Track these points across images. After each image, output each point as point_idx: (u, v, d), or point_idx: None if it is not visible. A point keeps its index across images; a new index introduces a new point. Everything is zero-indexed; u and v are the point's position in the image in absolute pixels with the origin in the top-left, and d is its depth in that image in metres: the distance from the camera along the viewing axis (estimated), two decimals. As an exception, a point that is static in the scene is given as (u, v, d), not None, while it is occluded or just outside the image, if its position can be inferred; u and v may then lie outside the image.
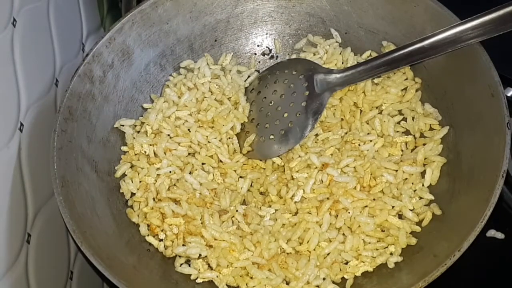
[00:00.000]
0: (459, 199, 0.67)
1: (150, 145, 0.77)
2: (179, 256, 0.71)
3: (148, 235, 0.72)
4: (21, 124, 0.68)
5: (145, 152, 0.77)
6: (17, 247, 0.65)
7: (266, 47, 0.88)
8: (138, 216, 0.73)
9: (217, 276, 0.69)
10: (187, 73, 0.84)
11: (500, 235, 0.76)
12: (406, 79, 0.78)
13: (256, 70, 0.86)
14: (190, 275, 0.69)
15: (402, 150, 0.75)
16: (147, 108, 0.81)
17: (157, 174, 0.75)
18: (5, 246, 0.63)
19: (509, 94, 0.83)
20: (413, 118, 0.76)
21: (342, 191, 0.71)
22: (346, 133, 0.77)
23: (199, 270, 0.69)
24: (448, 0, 0.73)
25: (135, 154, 0.77)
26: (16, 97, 0.67)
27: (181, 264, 0.70)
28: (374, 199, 0.71)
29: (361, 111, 0.78)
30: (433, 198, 0.70)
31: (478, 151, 0.67)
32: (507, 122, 0.63)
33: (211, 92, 0.82)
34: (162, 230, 0.73)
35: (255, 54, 0.88)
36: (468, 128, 0.70)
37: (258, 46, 0.88)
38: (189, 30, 0.83)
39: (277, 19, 0.86)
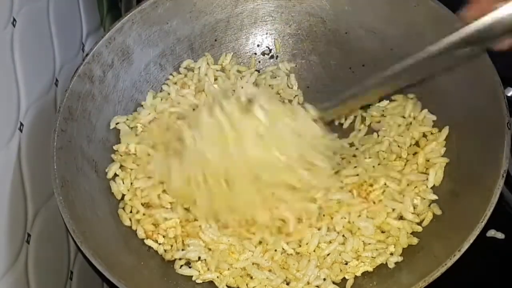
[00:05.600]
0: (459, 199, 0.67)
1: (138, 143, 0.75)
2: (179, 259, 0.71)
3: (146, 238, 0.71)
4: (21, 124, 0.68)
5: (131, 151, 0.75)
6: (16, 247, 0.65)
7: (266, 47, 0.87)
8: (130, 220, 0.72)
9: (217, 277, 0.68)
10: (187, 72, 0.84)
11: (500, 235, 0.76)
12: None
13: (256, 70, 0.86)
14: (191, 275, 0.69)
15: (402, 157, 0.74)
16: (147, 108, 0.81)
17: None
18: (4, 246, 0.63)
19: (509, 94, 0.83)
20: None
21: (337, 207, 0.70)
22: None
23: (199, 271, 0.69)
24: (448, 0, 0.73)
25: (121, 156, 0.75)
26: (16, 97, 0.67)
27: (181, 266, 0.70)
28: (374, 203, 0.70)
29: None
30: (436, 198, 0.69)
31: (478, 151, 0.67)
32: (507, 122, 0.63)
33: (211, 91, 0.82)
34: (158, 233, 0.71)
35: (255, 54, 0.88)
36: (468, 128, 0.70)
37: (258, 46, 0.87)
38: (189, 30, 0.83)
39: (277, 19, 0.86)
